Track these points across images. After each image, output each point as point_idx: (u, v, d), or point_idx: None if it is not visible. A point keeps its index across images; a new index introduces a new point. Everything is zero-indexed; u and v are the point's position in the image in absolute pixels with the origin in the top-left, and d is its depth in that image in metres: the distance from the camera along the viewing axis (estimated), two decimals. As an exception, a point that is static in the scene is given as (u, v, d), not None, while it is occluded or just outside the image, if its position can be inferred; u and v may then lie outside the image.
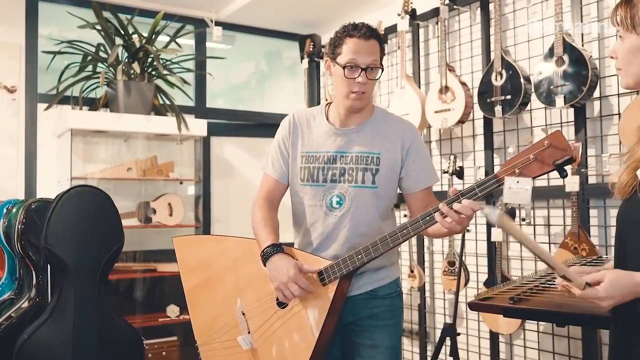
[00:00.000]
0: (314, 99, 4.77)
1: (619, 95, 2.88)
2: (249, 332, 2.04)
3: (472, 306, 2.18)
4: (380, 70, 1.97)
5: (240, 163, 4.71)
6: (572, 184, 2.82)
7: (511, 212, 3.15)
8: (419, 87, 3.82)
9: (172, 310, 4.02)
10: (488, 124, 3.43)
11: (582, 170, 2.87)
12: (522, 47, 3.31)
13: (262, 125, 4.79)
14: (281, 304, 1.99)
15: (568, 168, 1.70)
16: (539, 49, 3.22)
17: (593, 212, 3.00)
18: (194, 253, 2.24)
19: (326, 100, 4.47)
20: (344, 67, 1.93)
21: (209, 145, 4.46)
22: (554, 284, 2.19)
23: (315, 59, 4.72)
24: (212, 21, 4.39)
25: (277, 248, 1.95)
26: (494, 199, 3.29)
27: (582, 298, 1.42)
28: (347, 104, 1.98)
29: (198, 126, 4.05)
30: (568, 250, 2.83)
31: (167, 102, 4.00)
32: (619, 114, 2.89)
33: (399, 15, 3.74)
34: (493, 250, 3.41)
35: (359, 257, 1.87)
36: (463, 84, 3.40)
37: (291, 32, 4.86)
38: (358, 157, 2.00)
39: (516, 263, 3.35)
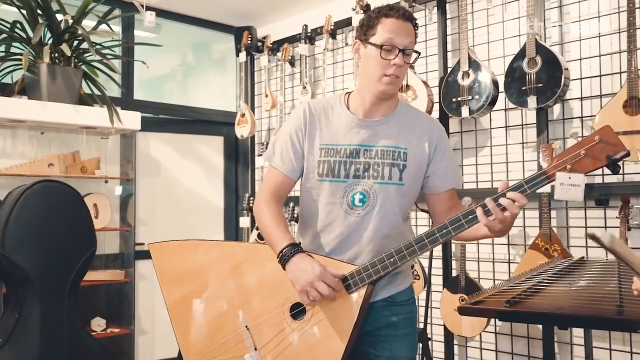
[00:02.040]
0: (249, 94, 4.50)
1: (582, 99, 2.95)
2: (255, 349, 1.79)
3: (462, 310, 2.08)
4: (416, 55, 1.83)
5: (166, 160, 4.36)
6: (543, 184, 2.83)
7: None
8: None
9: (98, 324, 3.61)
10: (444, 125, 3.38)
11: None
12: (481, 48, 3.31)
13: (192, 120, 4.47)
14: (296, 316, 1.77)
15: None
16: (499, 50, 3.24)
17: (553, 214, 3.05)
18: (177, 261, 1.95)
19: (266, 95, 4.24)
20: (380, 47, 1.76)
21: (135, 140, 4.06)
22: (550, 285, 2.16)
23: (252, 53, 4.46)
24: (142, 6, 4.00)
25: (297, 248, 1.74)
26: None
27: None
28: (379, 88, 1.80)
29: (130, 119, 3.67)
30: (539, 251, 2.84)
31: (97, 91, 3.56)
32: (581, 117, 2.96)
33: (353, 9, 3.62)
34: (449, 252, 3.38)
35: (391, 260, 1.69)
36: (424, 82, 3.34)
37: (224, 23, 4.58)
38: (384, 152, 1.83)
39: (472, 265, 3.33)
